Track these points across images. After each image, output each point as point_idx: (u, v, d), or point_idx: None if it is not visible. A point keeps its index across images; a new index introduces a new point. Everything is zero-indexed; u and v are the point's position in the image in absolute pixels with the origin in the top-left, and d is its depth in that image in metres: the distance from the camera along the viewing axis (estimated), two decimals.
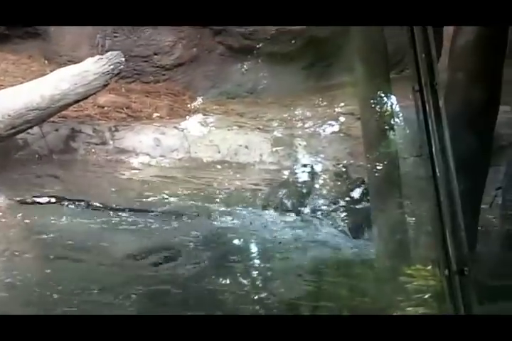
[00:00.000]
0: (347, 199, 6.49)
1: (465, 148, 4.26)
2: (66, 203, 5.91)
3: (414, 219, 5.47)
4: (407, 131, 6.23)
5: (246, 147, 7.80)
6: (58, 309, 4.22)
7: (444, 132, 2.28)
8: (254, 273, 5.11)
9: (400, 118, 5.56)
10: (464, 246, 2.24)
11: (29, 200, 5.84)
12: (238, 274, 4.98)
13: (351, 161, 7.38)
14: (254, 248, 5.67)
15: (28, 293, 4.38)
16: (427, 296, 3.89)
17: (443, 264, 2.23)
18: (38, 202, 5.85)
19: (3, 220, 5.35)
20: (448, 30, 4.84)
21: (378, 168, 5.14)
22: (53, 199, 5.89)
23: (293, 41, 9.31)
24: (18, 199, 5.91)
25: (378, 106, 5.14)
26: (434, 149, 2.27)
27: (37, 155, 7.26)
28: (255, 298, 4.58)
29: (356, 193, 6.47)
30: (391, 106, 5.18)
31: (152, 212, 6.01)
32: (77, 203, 5.92)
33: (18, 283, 4.50)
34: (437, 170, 2.26)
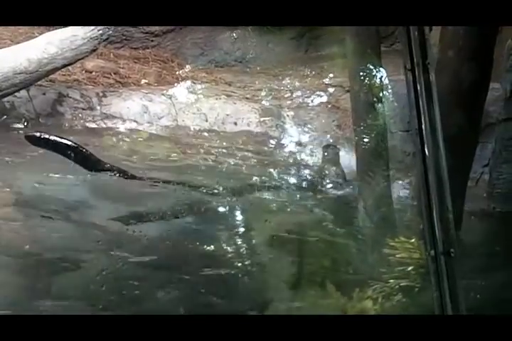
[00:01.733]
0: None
1: (454, 126, 4.27)
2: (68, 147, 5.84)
3: (399, 192, 5.51)
4: (396, 105, 6.26)
5: (233, 116, 7.80)
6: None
7: (434, 113, 2.27)
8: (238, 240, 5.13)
9: (389, 91, 5.57)
10: (451, 228, 2.25)
11: (35, 135, 5.78)
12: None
13: (339, 133, 7.40)
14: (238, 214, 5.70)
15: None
16: (409, 269, 3.90)
17: (429, 245, 2.23)
18: (44, 139, 5.76)
19: None
20: None
21: (366, 140, 5.15)
22: (57, 138, 5.82)
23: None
24: (24, 136, 5.86)
25: (368, 79, 5.15)
26: (424, 129, 2.27)
27: (23, 119, 7.22)
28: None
29: None
30: (380, 79, 5.18)
31: (138, 178, 5.99)
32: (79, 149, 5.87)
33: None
34: (426, 150, 2.26)
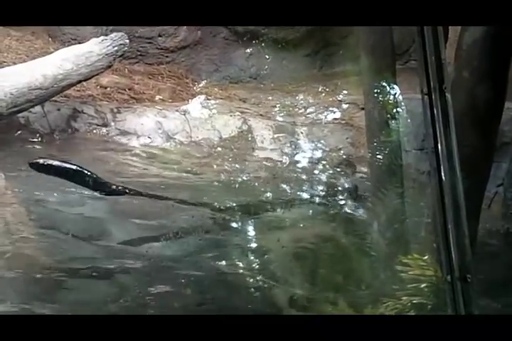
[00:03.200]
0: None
1: (469, 147, 4.26)
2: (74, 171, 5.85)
3: (412, 210, 5.49)
4: (410, 123, 6.25)
5: (248, 133, 7.81)
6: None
7: (451, 136, 2.27)
8: (251, 255, 5.12)
9: (403, 109, 5.57)
10: (468, 253, 2.25)
11: (38, 162, 5.79)
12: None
13: (353, 150, 7.39)
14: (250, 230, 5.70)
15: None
16: (422, 286, 3.89)
17: (446, 270, 2.23)
18: (48, 165, 5.78)
19: (3, 198, 5.34)
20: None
21: (379, 157, 5.16)
22: (61, 164, 5.84)
23: (297, 28, 9.29)
24: (28, 163, 5.87)
25: (382, 97, 5.15)
26: (440, 153, 2.27)
27: (38, 135, 7.26)
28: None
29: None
30: (395, 96, 5.19)
31: (151, 196, 6.00)
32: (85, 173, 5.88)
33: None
34: (443, 174, 2.26)
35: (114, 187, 5.92)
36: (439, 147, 2.25)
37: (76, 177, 5.75)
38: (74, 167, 5.81)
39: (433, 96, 2.28)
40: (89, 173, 5.84)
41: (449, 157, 2.27)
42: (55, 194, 5.78)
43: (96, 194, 5.80)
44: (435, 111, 2.28)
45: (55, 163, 5.79)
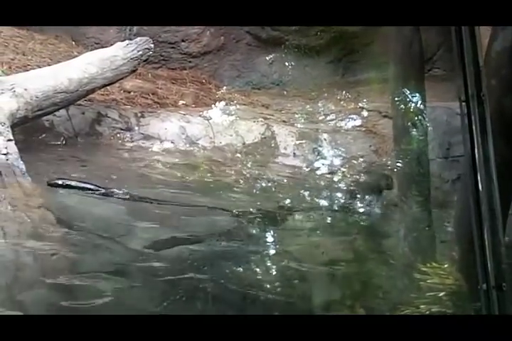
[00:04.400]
0: None
1: (497, 156, 4.24)
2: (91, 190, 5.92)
3: (435, 218, 5.49)
4: (433, 132, 6.24)
5: (271, 139, 7.82)
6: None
7: (488, 145, 2.28)
8: (268, 261, 5.11)
9: (427, 117, 5.56)
10: (503, 261, 2.25)
11: (57, 182, 5.86)
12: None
13: (376, 158, 7.38)
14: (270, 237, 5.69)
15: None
16: (441, 294, 3.88)
17: (481, 278, 2.23)
18: (67, 186, 5.87)
19: (28, 202, 5.36)
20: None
21: (400, 165, 5.16)
22: (79, 184, 5.92)
23: (319, 34, 9.30)
24: (44, 180, 5.93)
25: (408, 105, 5.16)
26: (477, 160, 2.27)
27: (62, 138, 7.30)
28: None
29: None
30: (419, 104, 5.19)
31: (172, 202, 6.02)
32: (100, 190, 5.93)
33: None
34: (479, 182, 2.26)
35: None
36: (476, 154, 2.25)
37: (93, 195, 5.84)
38: (92, 186, 5.88)
39: (470, 104, 2.28)
40: (105, 191, 5.90)
41: (485, 164, 2.27)
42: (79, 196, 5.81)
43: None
44: (473, 118, 2.28)
45: (73, 183, 5.88)
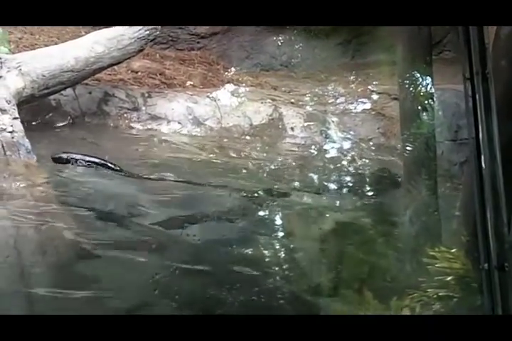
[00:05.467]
0: None
1: (505, 137, 4.21)
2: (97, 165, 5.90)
3: (443, 202, 5.45)
4: (442, 115, 6.19)
5: (278, 121, 7.79)
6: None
7: (492, 122, 2.23)
8: (276, 243, 5.10)
9: (436, 100, 5.52)
10: (506, 241, 2.22)
11: (61, 156, 5.85)
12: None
13: (384, 141, 7.36)
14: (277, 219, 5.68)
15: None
16: (449, 278, 3.85)
17: (483, 258, 2.20)
18: (71, 159, 5.86)
19: (32, 179, 5.36)
20: None
21: (409, 148, 5.12)
22: (84, 157, 5.90)
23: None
24: (51, 157, 5.93)
25: (416, 87, 5.11)
26: (481, 138, 2.23)
27: (69, 117, 7.29)
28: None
29: None
30: (428, 87, 5.14)
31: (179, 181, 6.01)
32: (108, 166, 5.93)
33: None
34: (483, 160, 2.22)
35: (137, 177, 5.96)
36: (480, 132, 2.21)
37: (100, 169, 5.80)
38: (97, 160, 5.86)
39: (475, 81, 2.24)
40: (112, 166, 5.88)
41: (489, 144, 2.23)
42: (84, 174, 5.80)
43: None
44: (477, 96, 2.24)
45: (78, 156, 5.85)
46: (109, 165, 5.88)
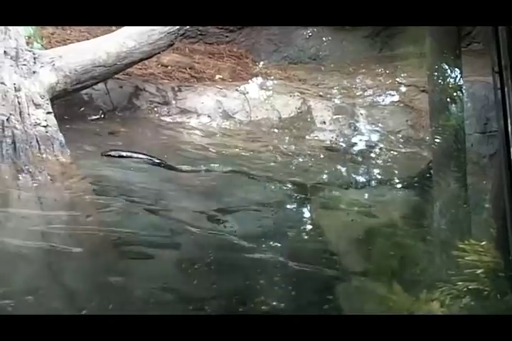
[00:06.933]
0: None
1: None
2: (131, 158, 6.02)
3: (472, 194, 5.45)
4: (471, 107, 6.17)
5: (307, 114, 7.82)
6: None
7: None
8: (305, 235, 5.12)
9: (465, 92, 5.51)
10: None
11: (110, 154, 6.01)
12: None
13: (412, 133, 7.35)
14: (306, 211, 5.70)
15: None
16: (479, 271, 3.85)
17: None
18: (119, 156, 6.00)
19: (66, 173, 5.43)
20: None
21: (438, 140, 5.12)
22: (132, 154, 6.06)
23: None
24: (101, 154, 6.07)
25: (445, 79, 5.11)
26: (510, 131, 2.26)
27: (101, 111, 7.37)
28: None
29: None
30: (457, 80, 5.14)
31: (209, 171, 6.09)
32: (140, 158, 6.04)
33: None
34: None
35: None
36: (509, 126, 2.24)
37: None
38: (144, 157, 6.01)
39: (504, 75, 2.26)
40: (158, 161, 6.01)
41: None
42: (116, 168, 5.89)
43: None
44: (506, 89, 2.27)
45: (126, 153, 6.01)
46: (156, 160, 6.04)
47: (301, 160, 6.81)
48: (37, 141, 5.45)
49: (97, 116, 7.28)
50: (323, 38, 9.34)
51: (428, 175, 5.70)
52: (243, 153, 6.83)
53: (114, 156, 6.04)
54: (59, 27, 8.38)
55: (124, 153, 6.06)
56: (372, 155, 7.08)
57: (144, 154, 6.11)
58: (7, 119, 5.34)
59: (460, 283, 3.78)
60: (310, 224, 5.43)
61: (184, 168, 6.12)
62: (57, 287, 3.78)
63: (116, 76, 7.25)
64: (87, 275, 3.97)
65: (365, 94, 8.09)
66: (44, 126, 5.59)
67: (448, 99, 5.11)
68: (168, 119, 7.56)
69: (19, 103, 5.55)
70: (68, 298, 3.67)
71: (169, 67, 8.29)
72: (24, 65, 5.78)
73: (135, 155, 6.07)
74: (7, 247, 4.15)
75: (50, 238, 4.34)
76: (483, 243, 3.96)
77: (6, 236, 4.29)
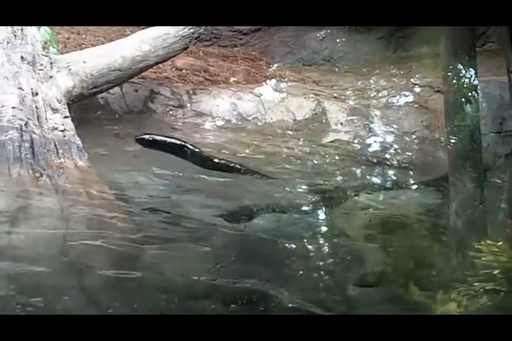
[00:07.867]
0: None
1: None
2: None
3: (488, 195, 5.44)
4: (487, 107, 6.17)
5: (322, 115, 7.83)
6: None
7: None
8: (321, 237, 5.13)
9: (480, 92, 5.51)
10: None
11: (144, 138, 6.06)
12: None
13: (428, 134, 7.35)
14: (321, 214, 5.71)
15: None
16: (495, 272, 3.86)
17: None
18: (153, 140, 6.05)
19: (85, 177, 5.46)
20: None
21: (453, 141, 5.12)
22: (166, 139, 6.10)
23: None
24: (135, 139, 6.15)
25: (460, 79, 5.11)
26: None
27: (116, 115, 7.42)
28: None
29: None
30: (472, 80, 5.14)
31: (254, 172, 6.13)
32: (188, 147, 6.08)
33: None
34: None
35: (216, 161, 6.10)
36: None
37: (180, 151, 6.00)
38: (178, 142, 6.04)
39: None
40: (192, 147, 6.04)
41: None
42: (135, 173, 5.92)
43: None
44: None
45: (160, 138, 6.07)
46: (189, 146, 6.05)
47: (315, 161, 6.82)
48: (55, 145, 5.47)
49: (113, 120, 7.33)
50: (337, 40, 9.35)
51: (444, 176, 5.70)
52: (258, 156, 6.86)
53: (147, 140, 6.04)
54: (74, 31, 8.43)
55: (158, 138, 6.07)
56: (387, 156, 7.09)
57: (178, 139, 6.10)
58: (25, 124, 5.37)
59: (477, 283, 3.77)
60: (324, 225, 5.45)
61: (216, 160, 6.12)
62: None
63: (131, 80, 7.29)
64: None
65: (380, 95, 8.10)
66: (61, 131, 5.61)
67: (463, 99, 5.11)
68: (183, 122, 7.60)
69: (37, 108, 5.58)
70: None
71: (184, 71, 8.32)
72: (41, 69, 5.81)
73: (168, 140, 6.08)
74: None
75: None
76: (500, 243, 3.96)
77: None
